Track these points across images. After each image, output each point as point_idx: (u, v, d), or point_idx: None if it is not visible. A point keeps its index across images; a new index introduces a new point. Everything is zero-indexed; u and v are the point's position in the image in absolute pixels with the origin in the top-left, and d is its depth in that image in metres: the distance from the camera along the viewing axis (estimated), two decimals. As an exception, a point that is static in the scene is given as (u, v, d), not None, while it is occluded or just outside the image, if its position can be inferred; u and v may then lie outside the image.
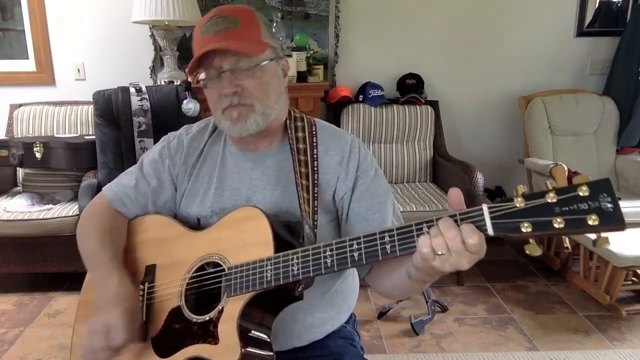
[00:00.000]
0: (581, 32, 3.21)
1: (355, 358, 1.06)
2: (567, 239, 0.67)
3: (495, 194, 3.30)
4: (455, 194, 0.73)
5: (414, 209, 2.52)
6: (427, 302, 2.29)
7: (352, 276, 1.14)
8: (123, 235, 1.06)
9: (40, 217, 2.43)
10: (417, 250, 0.72)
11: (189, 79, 2.86)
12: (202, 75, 0.97)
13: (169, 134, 1.15)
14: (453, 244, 0.68)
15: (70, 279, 2.65)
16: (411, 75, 3.12)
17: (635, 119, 2.92)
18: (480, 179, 2.51)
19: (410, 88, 3.09)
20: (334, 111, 3.07)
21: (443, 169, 2.95)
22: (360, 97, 3.07)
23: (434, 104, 3.12)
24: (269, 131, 1.02)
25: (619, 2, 3.23)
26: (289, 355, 1.02)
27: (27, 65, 3.10)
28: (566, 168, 2.76)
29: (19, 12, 3.03)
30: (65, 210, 2.48)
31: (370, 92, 3.04)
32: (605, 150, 3.01)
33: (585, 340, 2.14)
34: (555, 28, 3.20)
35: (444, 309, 2.38)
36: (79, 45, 3.10)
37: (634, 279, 2.49)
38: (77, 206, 2.46)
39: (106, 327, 0.89)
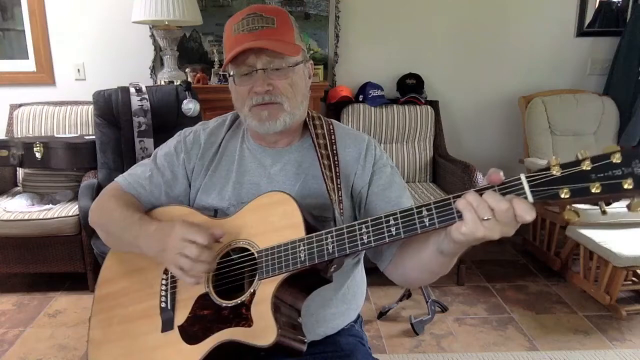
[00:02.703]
0: (581, 32, 3.21)
1: (365, 356, 1.08)
2: (603, 204, 0.68)
3: (495, 194, 3.30)
4: (497, 175, 0.72)
5: (414, 209, 2.52)
6: (427, 302, 2.29)
7: (361, 274, 1.16)
8: (142, 211, 1.06)
9: (40, 217, 2.43)
10: (462, 222, 0.71)
11: (189, 79, 2.86)
12: (231, 71, 0.99)
13: (184, 129, 1.15)
14: (505, 216, 0.69)
15: (70, 279, 2.64)
16: (411, 75, 3.12)
17: (636, 118, 2.92)
18: (480, 179, 2.51)
19: (410, 88, 3.09)
20: (334, 111, 3.07)
21: (443, 169, 2.95)
22: (360, 97, 3.07)
23: (434, 104, 3.12)
24: (291, 130, 1.05)
25: (619, 2, 3.23)
26: None
27: (27, 65, 3.10)
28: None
29: (19, 12, 3.04)
30: (65, 210, 2.48)
31: (370, 92, 3.04)
32: (605, 150, 3.01)
33: (585, 340, 2.14)
34: (555, 28, 3.20)
35: (444, 309, 2.37)
36: (79, 45, 3.10)
37: (634, 279, 2.49)
38: (77, 206, 2.46)
39: (183, 238, 0.88)
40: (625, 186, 0.62)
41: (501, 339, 2.16)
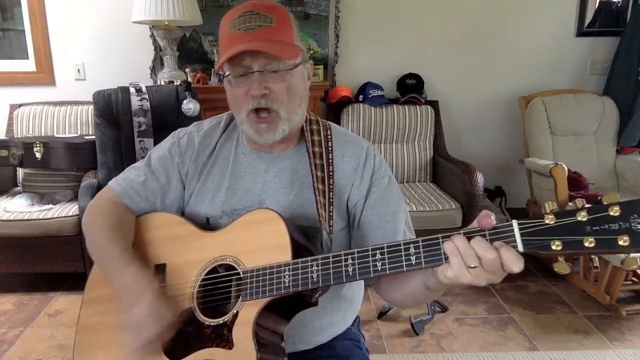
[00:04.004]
0: (581, 32, 3.21)
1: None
2: (596, 258, 0.67)
3: (495, 193, 3.30)
4: (487, 220, 0.69)
5: (414, 209, 2.52)
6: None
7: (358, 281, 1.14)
8: (132, 229, 1.02)
9: (40, 217, 2.43)
10: (449, 265, 0.70)
11: (189, 79, 2.86)
12: (227, 71, 0.95)
13: (178, 130, 1.11)
14: (492, 265, 0.67)
15: (70, 279, 2.64)
16: (411, 75, 3.13)
17: (635, 119, 2.92)
18: (480, 179, 2.51)
19: (410, 88, 3.09)
20: (334, 111, 3.07)
21: (443, 169, 2.95)
22: (360, 97, 3.07)
23: (434, 104, 3.12)
24: (288, 137, 1.00)
25: (619, 2, 3.23)
26: (296, 357, 1.02)
27: (27, 65, 3.10)
28: (566, 168, 2.75)
29: (19, 12, 3.03)
30: (65, 210, 2.48)
31: (370, 92, 3.04)
32: (605, 150, 3.01)
33: (585, 340, 2.14)
34: (555, 28, 3.20)
35: (444, 309, 2.37)
36: (79, 45, 3.10)
37: (634, 279, 2.49)
38: (77, 206, 2.46)
39: (139, 321, 0.87)
40: (621, 242, 0.59)
41: (501, 339, 2.16)
